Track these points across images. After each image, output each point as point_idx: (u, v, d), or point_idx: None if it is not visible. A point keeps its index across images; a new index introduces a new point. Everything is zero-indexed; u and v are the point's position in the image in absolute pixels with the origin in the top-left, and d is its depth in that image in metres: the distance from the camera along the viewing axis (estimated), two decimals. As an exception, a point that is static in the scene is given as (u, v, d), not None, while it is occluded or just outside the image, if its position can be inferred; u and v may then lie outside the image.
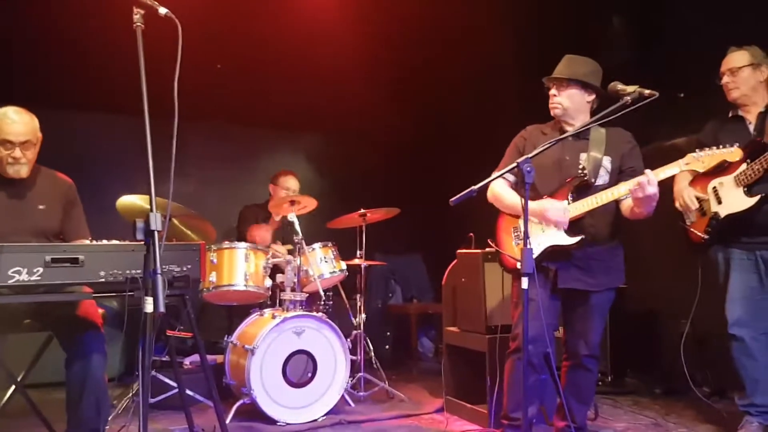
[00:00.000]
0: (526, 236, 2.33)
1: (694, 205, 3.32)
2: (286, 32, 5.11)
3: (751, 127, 3.27)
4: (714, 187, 3.27)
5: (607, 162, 3.01)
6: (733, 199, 3.20)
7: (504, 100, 5.32)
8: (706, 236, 3.30)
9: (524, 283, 2.30)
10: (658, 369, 4.77)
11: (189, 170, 5.81)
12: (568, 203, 2.89)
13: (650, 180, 2.62)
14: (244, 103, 5.80)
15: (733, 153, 2.68)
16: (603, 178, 2.98)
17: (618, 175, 3.01)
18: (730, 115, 3.37)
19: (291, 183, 5.04)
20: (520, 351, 2.93)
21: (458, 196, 2.59)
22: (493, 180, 2.67)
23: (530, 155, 2.46)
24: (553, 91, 3.04)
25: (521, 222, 2.91)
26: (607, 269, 2.99)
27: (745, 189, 3.16)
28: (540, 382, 3.04)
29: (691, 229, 3.37)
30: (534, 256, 2.81)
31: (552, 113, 3.08)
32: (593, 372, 2.99)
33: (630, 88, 2.56)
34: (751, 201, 3.14)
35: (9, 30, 4.59)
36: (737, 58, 3.30)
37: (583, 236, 2.86)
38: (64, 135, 4.57)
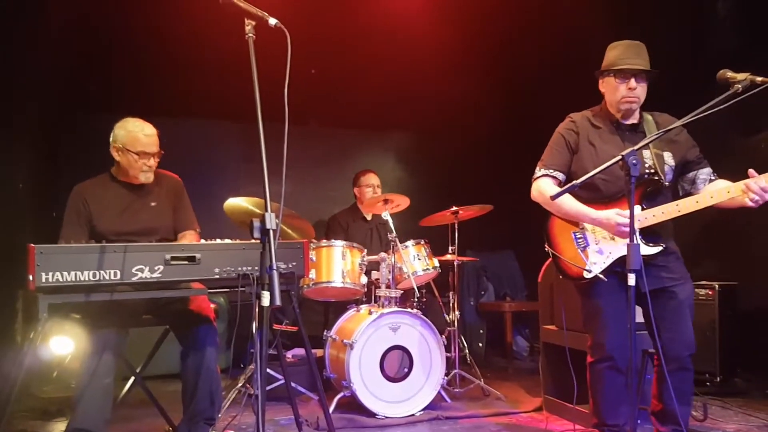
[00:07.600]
0: (632, 230, 2.27)
1: None
2: (369, 32, 5.20)
3: None
4: None
5: (669, 158, 2.84)
6: None
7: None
8: None
9: (631, 279, 2.24)
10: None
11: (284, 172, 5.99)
12: (642, 209, 2.72)
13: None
14: (333, 105, 5.94)
15: None
16: (668, 176, 2.84)
17: (681, 170, 2.87)
18: None
19: (372, 179, 5.17)
20: (606, 360, 2.82)
21: (560, 191, 2.57)
22: (592, 176, 2.47)
23: (635, 148, 2.37)
24: (633, 83, 2.78)
25: (588, 226, 2.84)
26: (678, 260, 2.87)
27: None
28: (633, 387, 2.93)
29: None
30: (606, 265, 2.75)
31: (626, 107, 2.83)
32: (693, 370, 2.86)
33: (740, 76, 2.42)
34: None
35: (139, 49, 5.00)
36: None
37: (663, 246, 2.73)
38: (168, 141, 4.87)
